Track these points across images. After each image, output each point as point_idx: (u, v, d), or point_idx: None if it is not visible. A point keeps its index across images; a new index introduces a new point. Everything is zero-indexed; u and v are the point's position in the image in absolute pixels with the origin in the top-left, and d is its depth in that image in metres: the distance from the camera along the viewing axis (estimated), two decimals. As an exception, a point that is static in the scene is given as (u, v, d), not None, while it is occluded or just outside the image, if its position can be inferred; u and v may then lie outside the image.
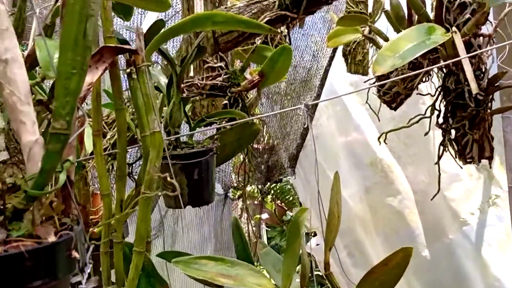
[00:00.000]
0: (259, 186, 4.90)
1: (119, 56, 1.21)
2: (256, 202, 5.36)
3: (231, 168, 4.38)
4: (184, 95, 1.90)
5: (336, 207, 1.59)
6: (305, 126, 3.85)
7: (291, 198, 5.91)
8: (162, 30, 1.42)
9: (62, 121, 0.71)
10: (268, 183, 4.90)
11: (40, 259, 0.70)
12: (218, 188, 4.34)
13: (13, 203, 0.75)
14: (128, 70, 1.23)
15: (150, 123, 1.21)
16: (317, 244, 4.10)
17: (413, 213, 3.87)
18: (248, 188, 4.77)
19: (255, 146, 3.80)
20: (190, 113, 2.05)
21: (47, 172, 0.74)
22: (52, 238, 0.72)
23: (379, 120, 2.75)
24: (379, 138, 2.38)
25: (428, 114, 1.98)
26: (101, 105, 1.35)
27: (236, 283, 1.49)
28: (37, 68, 1.27)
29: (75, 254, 0.74)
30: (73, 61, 0.69)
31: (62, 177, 0.77)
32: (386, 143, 2.48)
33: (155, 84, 1.77)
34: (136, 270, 1.24)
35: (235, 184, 4.47)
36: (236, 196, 4.62)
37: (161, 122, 1.71)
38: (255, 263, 1.84)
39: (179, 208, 2.11)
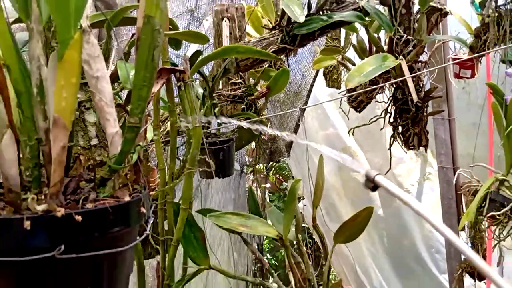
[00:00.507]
0: (265, 164, 4.91)
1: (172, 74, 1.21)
2: (262, 175, 5.36)
3: (245, 152, 4.38)
4: (215, 101, 1.90)
5: (321, 179, 1.59)
6: (297, 123, 3.85)
7: (286, 173, 5.91)
8: (201, 57, 1.42)
9: (136, 117, 0.71)
10: (271, 163, 4.91)
11: (118, 213, 0.70)
12: (236, 166, 4.34)
13: (100, 174, 0.76)
14: (178, 84, 1.23)
15: (193, 120, 1.21)
16: (304, 205, 4.11)
17: (371, 185, 3.88)
18: (257, 166, 4.77)
19: (262, 137, 3.79)
20: (218, 114, 2.05)
21: (124, 153, 0.74)
22: (127, 199, 0.72)
23: (348, 119, 2.75)
24: (348, 132, 2.38)
25: (382, 115, 1.97)
26: (159, 108, 1.35)
27: (251, 230, 1.50)
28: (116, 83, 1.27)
29: (143, 210, 0.74)
30: (144, 77, 0.69)
31: (135, 156, 0.77)
32: (353, 135, 2.49)
33: (196, 94, 1.77)
34: (182, 221, 1.25)
35: (248, 163, 4.47)
36: (249, 171, 4.61)
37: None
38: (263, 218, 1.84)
39: (210, 178, 2.12)
